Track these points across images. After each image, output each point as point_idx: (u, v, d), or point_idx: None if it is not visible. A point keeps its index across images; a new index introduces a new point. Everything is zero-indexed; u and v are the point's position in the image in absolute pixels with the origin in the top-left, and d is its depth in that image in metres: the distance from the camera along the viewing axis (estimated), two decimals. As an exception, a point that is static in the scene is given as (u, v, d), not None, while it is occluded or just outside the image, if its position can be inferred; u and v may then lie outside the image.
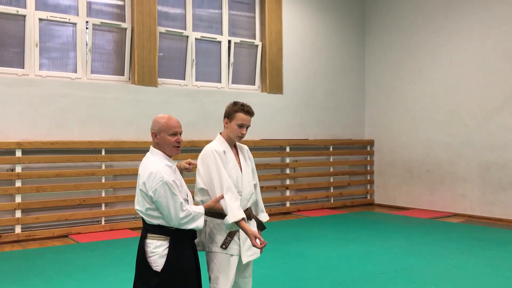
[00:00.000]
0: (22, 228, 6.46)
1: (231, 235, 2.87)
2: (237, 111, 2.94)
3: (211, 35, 8.34)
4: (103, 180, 7.08)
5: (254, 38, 8.88)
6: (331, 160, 9.57)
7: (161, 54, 7.80)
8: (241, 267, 2.99)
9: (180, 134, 2.71)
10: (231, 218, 2.73)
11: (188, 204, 2.65)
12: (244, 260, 2.89)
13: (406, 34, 9.43)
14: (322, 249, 5.92)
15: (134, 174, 7.31)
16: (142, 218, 2.62)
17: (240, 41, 8.65)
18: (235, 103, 2.99)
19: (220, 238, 2.86)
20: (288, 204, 8.86)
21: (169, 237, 2.56)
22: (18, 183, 6.41)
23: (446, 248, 5.96)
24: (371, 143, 10.08)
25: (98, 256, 5.60)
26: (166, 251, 2.54)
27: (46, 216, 6.61)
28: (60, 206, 6.73)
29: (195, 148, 7.81)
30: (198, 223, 2.59)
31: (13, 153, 6.41)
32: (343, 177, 9.72)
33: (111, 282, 4.55)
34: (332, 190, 9.53)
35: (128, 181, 7.22)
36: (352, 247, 6.03)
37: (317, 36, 9.52)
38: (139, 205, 2.59)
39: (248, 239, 2.80)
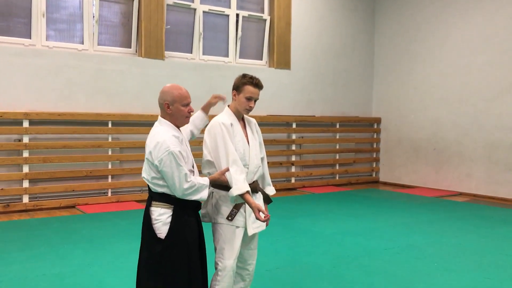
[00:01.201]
0: (29, 198, 6.53)
1: (237, 207, 2.88)
2: (246, 84, 2.91)
3: (219, 8, 8.23)
4: (110, 153, 7.11)
5: (263, 12, 8.76)
6: (337, 137, 9.54)
7: (169, 27, 7.73)
8: (247, 239, 3.02)
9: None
10: (235, 191, 2.73)
11: (193, 175, 2.66)
12: (250, 232, 2.91)
13: (416, 11, 9.27)
14: (326, 224, 5.96)
15: (141, 147, 7.35)
16: (148, 186, 2.64)
17: (248, 15, 8.55)
18: (244, 76, 2.96)
19: (226, 210, 2.87)
20: (293, 180, 8.89)
21: (172, 206, 2.57)
22: (25, 154, 6.45)
23: (450, 226, 5.98)
24: (378, 121, 10.03)
25: (105, 226, 5.67)
26: (169, 219, 2.56)
27: (53, 186, 6.68)
28: (67, 177, 6.79)
29: (201, 122, 7.81)
30: (202, 195, 2.59)
31: (21, 123, 6.44)
32: (349, 154, 9.71)
33: (117, 252, 4.62)
34: (337, 167, 9.53)
35: (134, 154, 7.25)
36: (356, 223, 6.06)
37: (326, 11, 9.38)
38: (146, 173, 2.61)
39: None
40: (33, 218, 6.10)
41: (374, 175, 10.08)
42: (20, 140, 6.48)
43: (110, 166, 7.12)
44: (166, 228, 2.54)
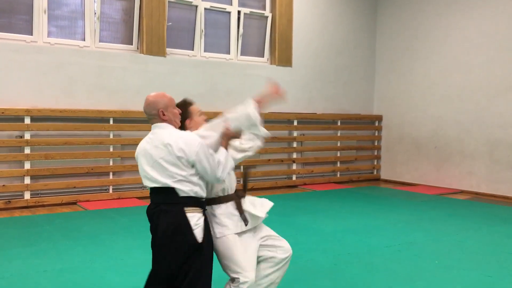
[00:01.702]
0: (31, 194, 6.54)
1: (240, 210, 2.78)
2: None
3: (220, 5, 8.22)
4: (111, 149, 7.12)
5: (264, 9, 8.75)
6: (339, 134, 9.54)
7: (170, 23, 7.72)
8: (255, 234, 2.86)
9: None
10: (249, 107, 2.79)
11: None
12: (260, 213, 2.79)
13: (418, 9, 9.25)
14: (327, 222, 5.96)
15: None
16: (168, 192, 2.52)
17: (250, 12, 8.53)
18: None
19: (229, 221, 2.74)
20: (294, 178, 8.89)
21: (202, 209, 2.60)
22: (27, 150, 6.46)
23: (451, 224, 5.97)
24: (379, 118, 10.02)
25: (106, 223, 5.68)
26: (202, 223, 2.56)
27: (54, 183, 6.69)
28: (68, 173, 6.80)
29: (202, 120, 7.82)
30: (228, 166, 2.66)
31: (22, 120, 6.44)
32: (350, 152, 9.70)
33: (118, 249, 4.63)
34: (338, 165, 9.53)
35: (135, 151, 7.24)
36: (357, 221, 6.06)
37: (328, 9, 9.37)
38: (168, 178, 2.51)
39: (250, 205, 2.78)
40: (34, 214, 6.11)
41: (375, 173, 10.08)
42: (21, 137, 6.49)
43: (111, 163, 7.13)
44: (201, 232, 2.54)
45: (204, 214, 2.60)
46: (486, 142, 8.21)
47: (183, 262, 2.50)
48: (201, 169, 2.52)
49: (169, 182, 2.51)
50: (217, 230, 2.74)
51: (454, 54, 8.68)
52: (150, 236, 2.65)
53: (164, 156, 2.52)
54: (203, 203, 2.61)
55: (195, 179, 2.54)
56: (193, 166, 2.52)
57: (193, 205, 2.54)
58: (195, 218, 2.52)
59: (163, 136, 2.57)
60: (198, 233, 2.51)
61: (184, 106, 2.85)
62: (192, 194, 2.54)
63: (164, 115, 2.63)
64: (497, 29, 8.03)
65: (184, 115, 2.79)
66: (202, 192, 2.58)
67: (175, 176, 2.51)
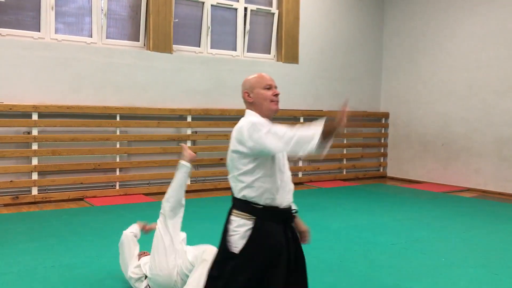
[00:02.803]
0: (38, 190, 6.58)
1: None
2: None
3: (227, 2, 8.22)
4: (118, 146, 7.14)
5: (271, 6, 8.73)
6: (345, 131, 9.50)
7: (177, 20, 7.73)
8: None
9: (276, 88, 2.35)
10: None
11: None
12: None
13: (425, 5, 9.19)
14: (333, 219, 5.96)
15: (148, 140, 7.39)
16: (232, 191, 2.36)
17: (257, 8, 8.52)
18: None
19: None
20: (300, 175, 8.88)
21: (254, 217, 2.22)
22: (34, 146, 6.50)
23: (458, 221, 5.95)
24: (386, 115, 9.98)
25: (113, 219, 5.71)
26: (249, 233, 2.21)
27: (62, 179, 6.73)
28: (75, 169, 6.83)
29: (209, 116, 7.83)
30: (312, 144, 2.06)
31: (30, 116, 6.48)
32: (357, 149, 9.68)
33: (125, 244, 4.64)
34: (345, 162, 9.51)
35: (142, 147, 7.28)
36: (363, 218, 6.05)
37: (335, 5, 9.33)
38: (231, 173, 2.31)
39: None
40: (42, 210, 6.15)
41: (381, 170, 10.05)
42: (29, 133, 6.52)
43: (118, 159, 7.16)
44: (242, 243, 2.21)
45: (256, 224, 2.22)
46: (494, 139, 8.16)
47: (223, 269, 2.25)
48: (257, 148, 2.15)
49: (230, 176, 2.34)
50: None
51: (461, 51, 8.63)
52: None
53: (230, 146, 2.31)
54: (256, 211, 2.24)
55: (244, 178, 2.25)
56: (252, 153, 2.20)
57: (242, 210, 2.26)
58: (235, 223, 2.25)
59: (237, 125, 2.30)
60: (235, 241, 2.22)
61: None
62: (242, 195, 2.27)
63: (249, 96, 2.35)
64: (505, 26, 7.97)
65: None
66: (251, 197, 2.23)
67: (233, 169, 2.30)
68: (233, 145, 2.28)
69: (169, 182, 3.49)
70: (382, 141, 10.06)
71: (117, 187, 7.16)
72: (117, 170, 7.16)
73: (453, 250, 4.69)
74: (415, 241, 4.97)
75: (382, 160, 10.07)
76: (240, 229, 2.23)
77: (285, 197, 2.32)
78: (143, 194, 7.20)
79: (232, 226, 2.25)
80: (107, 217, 5.78)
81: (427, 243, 4.91)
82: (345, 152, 9.49)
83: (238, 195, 2.28)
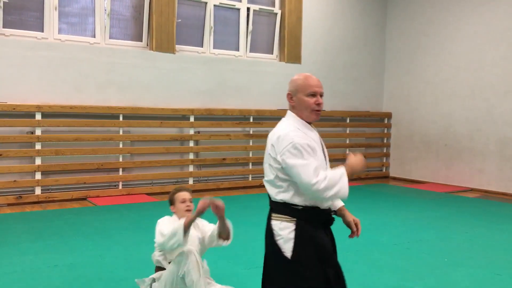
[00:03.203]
0: (42, 190, 6.60)
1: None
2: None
3: (230, 2, 8.22)
4: (121, 145, 7.16)
5: (274, 6, 8.73)
6: (348, 132, 9.51)
7: (179, 20, 7.74)
8: None
9: (321, 95, 2.27)
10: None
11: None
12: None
13: (428, 5, 9.18)
14: (336, 219, 5.94)
15: (151, 140, 7.40)
16: (268, 195, 2.32)
17: (259, 8, 8.53)
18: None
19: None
20: (303, 175, 8.87)
21: (295, 219, 2.19)
22: (38, 146, 6.52)
23: (461, 221, 5.94)
24: (388, 115, 9.97)
25: (116, 219, 5.72)
26: (292, 235, 2.18)
27: (65, 179, 6.75)
28: (78, 169, 6.85)
29: (211, 116, 7.84)
30: (341, 188, 2.12)
31: (33, 116, 6.50)
32: (359, 149, 9.67)
33: (128, 244, 4.66)
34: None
35: (145, 147, 7.30)
36: (366, 218, 6.03)
37: (337, 5, 9.33)
38: (267, 177, 2.27)
39: None
40: (45, 209, 6.17)
41: (384, 170, 10.04)
42: (32, 133, 6.55)
43: (121, 159, 7.18)
44: (290, 246, 2.18)
45: (297, 225, 2.20)
46: (497, 139, 8.15)
47: (283, 271, 2.22)
48: (289, 173, 2.16)
49: (266, 180, 2.31)
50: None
51: (464, 51, 8.61)
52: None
53: (267, 149, 2.29)
54: (295, 212, 2.21)
55: (281, 183, 2.22)
56: (282, 168, 2.18)
57: (281, 213, 2.23)
58: (276, 227, 2.23)
59: (275, 127, 2.30)
60: (281, 246, 2.20)
61: (170, 194, 3.10)
62: (279, 199, 2.23)
63: (291, 99, 2.29)
64: (508, 26, 7.95)
65: (170, 202, 3.07)
66: (291, 199, 2.21)
67: (270, 174, 2.25)
68: (269, 148, 2.25)
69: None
70: (385, 141, 10.05)
71: (120, 187, 7.18)
72: (120, 170, 7.17)
73: (456, 250, 4.69)
74: (417, 241, 4.96)
75: (384, 160, 10.06)
76: (282, 232, 2.19)
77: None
78: (146, 194, 7.21)
79: (274, 231, 2.21)
80: (110, 217, 5.80)
81: (430, 243, 4.91)
82: (347, 152, 9.48)
83: (276, 198, 2.23)
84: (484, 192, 8.19)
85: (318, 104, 2.24)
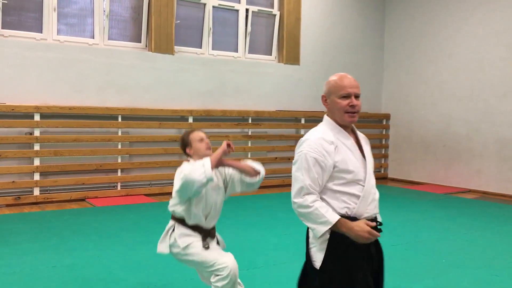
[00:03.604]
0: (40, 191, 6.60)
1: (205, 236, 2.87)
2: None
3: (228, 3, 8.23)
4: (120, 146, 7.16)
5: (272, 7, 8.75)
6: (346, 133, 9.52)
7: (178, 21, 7.75)
8: None
9: (356, 97, 2.16)
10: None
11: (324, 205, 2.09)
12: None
13: (427, 6, 9.20)
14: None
15: (150, 141, 7.41)
16: None
17: (258, 10, 8.54)
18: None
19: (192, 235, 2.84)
20: (301, 176, 8.87)
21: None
22: (36, 147, 6.52)
23: (459, 223, 5.95)
24: (387, 117, 9.99)
25: (114, 219, 5.72)
26: (324, 245, 2.08)
27: (63, 179, 6.74)
28: (77, 170, 6.85)
29: (210, 117, 7.84)
30: (315, 229, 2.03)
31: (32, 116, 6.50)
32: (358, 150, 9.67)
33: (126, 245, 4.66)
34: (346, 163, 9.50)
35: (144, 148, 7.30)
36: (364, 219, 6.05)
37: (336, 6, 9.35)
38: None
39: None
40: (43, 210, 6.17)
41: (382, 171, 10.05)
42: (31, 133, 6.54)
43: (119, 160, 7.18)
44: (321, 256, 2.10)
45: (332, 235, 2.07)
46: (495, 141, 8.16)
47: (313, 283, 2.16)
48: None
49: None
50: (180, 241, 2.80)
51: (463, 52, 8.63)
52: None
53: None
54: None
55: None
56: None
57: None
58: (311, 235, 2.17)
59: None
60: (313, 255, 2.13)
61: (185, 136, 2.98)
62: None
63: (326, 101, 2.20)
64: (507, 27, 7.97)
65: (184, 145, 2.93)
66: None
67: None
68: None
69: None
70: (383, 142, 10.06)
71: (119, 187, 7.18)
72: (119, 171, 7.18)
73: (454, 252, 4.70)
74: (416, 243, 4.97)
75: (383, 162, 10.07)
76: (316, 241, 2.12)
77: (366, 207, 2.14)
78: (145, 195, 7.21)
79: (310, 238, 2.16)
80: (109, 218, 5.80)
81: (429, 245, 4.92)
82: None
83: None
84: (482, 193, 8.20)
85: (352, 106, 2.13)
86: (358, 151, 2.18)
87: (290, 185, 6.96)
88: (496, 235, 5.37)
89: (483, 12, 8.33)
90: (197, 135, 2.91)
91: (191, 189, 2.63)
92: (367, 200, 2.14)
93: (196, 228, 2.86)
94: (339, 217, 2.04)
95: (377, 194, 2.24)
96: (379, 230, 2.14)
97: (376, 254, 2.21)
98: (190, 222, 2.85)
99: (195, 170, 2.60)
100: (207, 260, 2.80)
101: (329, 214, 2.04)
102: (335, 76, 2.20)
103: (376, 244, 2.22)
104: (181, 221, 2.87)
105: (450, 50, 8.85)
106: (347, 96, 2.13)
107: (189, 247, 2.81)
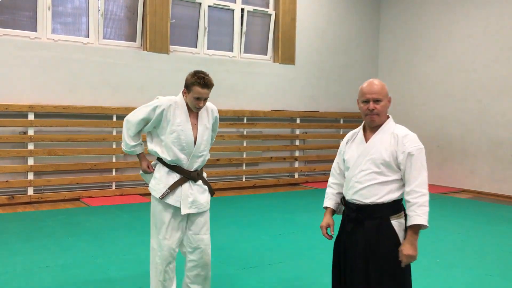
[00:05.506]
0: (34, 190, 6.57)
1: (172, 187, 2.92)
2: (194, 84, 2.87)
3: (224, 3, 8.23)
4: (114, 146, 7.14)
5: (268, 7, 8.75)
6: (341, 132, 9.54)
7: (173, 21, 7.73)
8: (189, 223, 2.99)
9: (375, 101, 2.48)
10: None
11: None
12: (183, 211, 2.92)
13: (422, 7, 9.23)
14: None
15: (144, 141, 7.35)
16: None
17: (253, 9, 8.54)
18: (194, 73, 2.91)
19: (161, 188, 2.97)
20: (296, 176, 8.90)
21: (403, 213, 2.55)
22: (30, 146, 6.49)
23: (453, 222, 5.98)
24: (382, 117, 10.00)
25: (109, 219, 5.70)
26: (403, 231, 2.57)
27: (57, 179, 6.72)
28: (71, 170, 6.82)
29: (205, 117, 7.83)
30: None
31: (26, 116, 6.47)
32: (353, 150, 9.70)
33: (120, 245, 4.65)
34: (341, 163, 9.52)
35: (138, 148, 7.27)
36: (359, 219, 6.06)
37: (331, 7, 9.36)
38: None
39: (191, 197, 2.91)
40: (37, 210, 6.14)
41: (377, 171, 10.06)
42: (25, 133, 6.51)
43: (114, 160, 7.15)
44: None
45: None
46: (489, 141, 8.20)
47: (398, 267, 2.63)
48: None
49: None
50: (154, 189, 3.05)
51: (457, 53, 8.67)
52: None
53: None
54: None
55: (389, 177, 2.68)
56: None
57: (398, 211, 2.65)
58: (402, 227, 2.65)
59: None
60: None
61: (191, 79, 2.94)
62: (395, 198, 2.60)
63: (358, 105, 2.59)
64: (501, 28, 8.01)
65: (185, 84, 2.98)
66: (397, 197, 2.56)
67: None
68: None
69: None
70: (378, 142, 10.07)
71: (113, 187, 7.15)
72: (113, 170, 7.15)
73: (448, 251, 4.72)
74: (410, 242, 4.98)
75: (378, 161, 10.08)
76: (401, 233, 2.57)
77: (346, 192, 2.65)
78: (139, 194, 7.19)
79: (399, 232, 2.57)
80: (103, 218, 5.78)
81: (422, 244, 4.90)
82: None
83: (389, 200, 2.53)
84: (476, 193, 8.24)
85: (370, 110, 2.47)
86: (363, 145, 2.67)
87: (286, 185, 7.00)
88: (490, 235, 5.40)
89: (477, 14, 8.36)
90: (198, 91, 2.88)
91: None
92: (347, 185, 2.74)
93: (175, 168, 2.97)
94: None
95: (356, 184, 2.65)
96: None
97: (362, 240, 2.52)
98: (169, 159, 2.99)
99: (128, 129, 3.27)
100: (152, 227, 3.00)
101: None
102: (365, 82, 2.55)
103: (365, 234, 2.53)
104: (160, 159, 3.07)
105: (444, 51, 8.88)
106: (366, 101, 2.48)
107: (153, 201, 3.03)
